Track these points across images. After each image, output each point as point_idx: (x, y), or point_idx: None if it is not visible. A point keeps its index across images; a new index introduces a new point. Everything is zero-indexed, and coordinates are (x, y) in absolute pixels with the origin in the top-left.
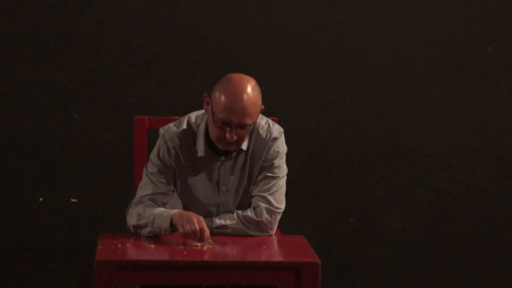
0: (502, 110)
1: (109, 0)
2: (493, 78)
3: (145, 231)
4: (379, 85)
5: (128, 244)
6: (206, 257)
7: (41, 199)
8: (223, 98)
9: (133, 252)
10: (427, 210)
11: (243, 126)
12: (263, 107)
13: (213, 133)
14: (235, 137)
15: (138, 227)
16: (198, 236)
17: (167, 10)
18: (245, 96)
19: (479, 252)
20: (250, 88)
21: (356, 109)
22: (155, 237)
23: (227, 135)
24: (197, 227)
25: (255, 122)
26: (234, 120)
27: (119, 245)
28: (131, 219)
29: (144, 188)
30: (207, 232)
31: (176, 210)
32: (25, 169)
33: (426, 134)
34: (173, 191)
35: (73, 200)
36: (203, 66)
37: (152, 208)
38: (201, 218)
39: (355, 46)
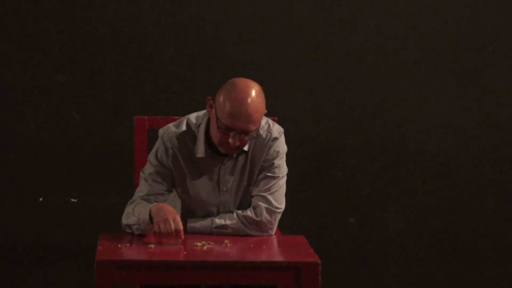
0: (502, 110)
1: (109, 0)
2: (493, 78)
3: (134, 228)
4: (379, 85)
5: (128, 244)
6: (206, 257)
7: (41, 199)
8: (227, 103)
9: (133, 252)
10: (427, 210)
11: (246, 132)
12: (266, 111)
13: (216, 137)
14: (238, 143)
15: (128, 226)
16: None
17: (167, 10)
18: (250, 103)
19: (479, 252)
20: (255, 94)
21: (356, 109)
22: (154, 237)
23: (230, 140)
24: (172, 229)
25: (258, 128)
26: (238, 126)
27: (119, 245)
28: (123, 218)
29: (140, 190)
30: (182, 232)
31: (155, 204)
32: (25, 169)
33: (426, 134)
34: (170, 191)
35: (73, 200)
36: (203, 66)
37: (141, 204)
38: (178, 218)
39: (355, 46)
